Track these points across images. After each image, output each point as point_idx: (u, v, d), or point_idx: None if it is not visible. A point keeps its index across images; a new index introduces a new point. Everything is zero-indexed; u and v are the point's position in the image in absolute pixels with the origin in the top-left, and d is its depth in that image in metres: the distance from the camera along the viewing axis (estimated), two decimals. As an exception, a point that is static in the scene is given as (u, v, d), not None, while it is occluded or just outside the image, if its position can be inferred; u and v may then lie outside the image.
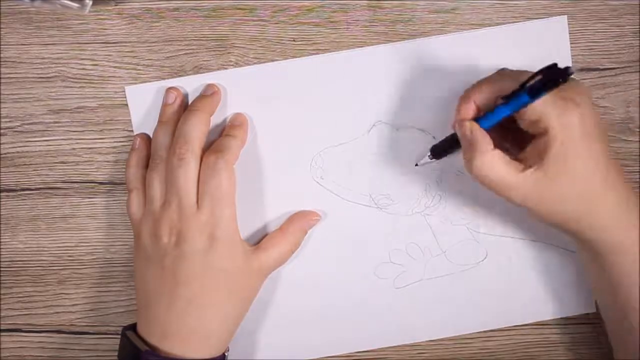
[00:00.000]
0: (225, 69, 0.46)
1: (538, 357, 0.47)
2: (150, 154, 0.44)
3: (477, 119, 0.39)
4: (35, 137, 0.46)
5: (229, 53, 0.46)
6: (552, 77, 0.35)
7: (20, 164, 0.47)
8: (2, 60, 0.46)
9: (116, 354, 0.43)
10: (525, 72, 0.38)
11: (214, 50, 0.46)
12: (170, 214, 0.41)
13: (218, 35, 0.46)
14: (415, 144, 0.46)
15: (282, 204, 0.46)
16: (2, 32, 0.46)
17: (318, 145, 0.46)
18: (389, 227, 0.46)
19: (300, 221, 0.45)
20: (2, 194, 0.47)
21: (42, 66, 0.46)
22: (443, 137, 0.43)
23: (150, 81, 0.46)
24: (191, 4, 0.45)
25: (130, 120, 0.46)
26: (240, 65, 0.45)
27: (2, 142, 0.46)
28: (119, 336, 0.43)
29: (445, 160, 0.45)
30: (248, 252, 0.43)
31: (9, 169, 0.47)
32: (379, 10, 0.45)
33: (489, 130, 0.39)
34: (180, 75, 0.46)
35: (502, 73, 0.40)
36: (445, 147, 0.43)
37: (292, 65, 0.45)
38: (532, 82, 0.36)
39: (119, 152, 0.46)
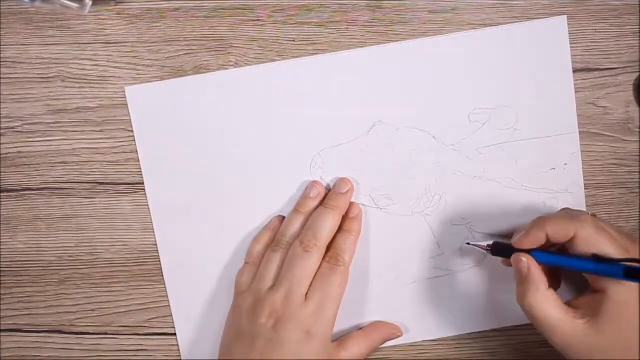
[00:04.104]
0: (225, 69, 0.46)
1: (538, 357, 0.47)
2: (276, 235, 0.45)
3: (545, 251, 0.40)
4: (35, 137, 0.46)
5: (228, 53, 0.46)
6: None
7: (21, 164, 0.47)
8: (2, 60, 0.46)
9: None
10: (609, 236, 0.38)
11: (214, 50, 0.46)
12: (276, 297, 0.42)
13: (218, 36, 0.46)
14: (415, 144, 0.46)
15: (281, 204, 0.46)
16: (2, 32, 0.46)
17: (318, 145, 0.46)
18: (389, 227, 0.46)
19: (384, 331, 0.46)
20: (2, 194, 0.47)
21: (42, 66, 0.46)
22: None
23: (150, 81, 0.46)
24: (191, 4, 0.45)
25: (130, 120, 0.46)
26: (240, 66, 0.46)
27: (2, 142, 0.46)
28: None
29: (445, 159, 0.45)
30: (330, 348, 0.43)
31: (9, 169, 0.47)
32: (379, 10, 0.45)
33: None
34: (180, 76, 0.46)
35: (585, 224, 0.39)
36: (506, 251, 0.42)
37: (292, 65, 0.45)
38: (631, 264, 0.36)
39: (119, 152, 0.46)
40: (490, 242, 0.43)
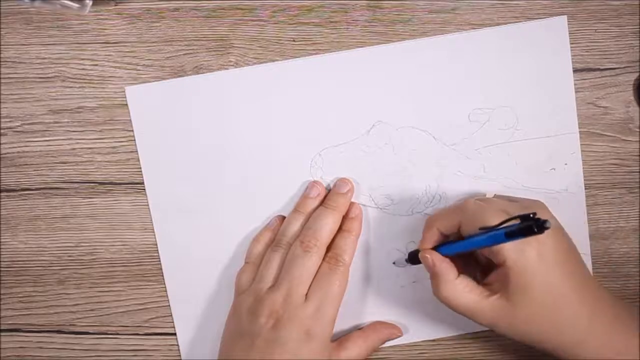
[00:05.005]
0: (226, 69, 0.46)
1: (538, 357, 0.47)
2: (276, 235, 0.45)
3: (445, 244, 0.41)
4: (35, 137, 0.46)
5: (229, 53, 0.46)
6: (529, 227, 0.34)
7: (21, 164, 0.47)
8: (2, 60, 0.46)
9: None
10: (486, 206, 0.40)
11: (214, 50, 0.46)
12: (276, 297, 0.42)
13: (218, 35, 0.46)
14: (416, 144, 0.46)
15: (281, 204, 0.46)
16: (2, 32, 0.46)
17: (318, 145, 0.46)
18: (389, 227, 0.46)
19: (384, 331, 0.46)
20: (2, 194, 0.47)
21: (42, 66, 0.46)
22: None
23: (150, 81, 0.46)
24: (191, 4, 0.45)
25: (130, 120, 0.46)
26: (240, 66, 0.46)
27: (2, 142, 0.46)
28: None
29: (445, 159, 0.45)
30: (330, 348, 0.43)
31: (9, 169, 0.47)
32: (379, 10, 0.45)
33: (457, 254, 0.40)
34: (180, 76, 0.46)
35: (464, 207, 0.41)
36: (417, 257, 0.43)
37: (292, 65, 0.45)
38: (508, 224, 0.36)
39: (119, 152, 0.46)
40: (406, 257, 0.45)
